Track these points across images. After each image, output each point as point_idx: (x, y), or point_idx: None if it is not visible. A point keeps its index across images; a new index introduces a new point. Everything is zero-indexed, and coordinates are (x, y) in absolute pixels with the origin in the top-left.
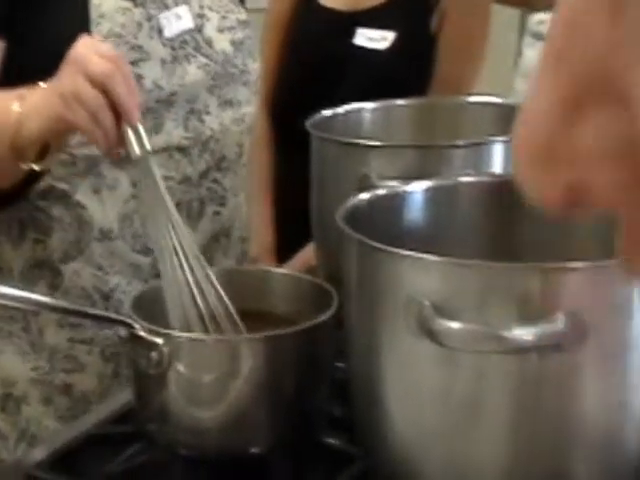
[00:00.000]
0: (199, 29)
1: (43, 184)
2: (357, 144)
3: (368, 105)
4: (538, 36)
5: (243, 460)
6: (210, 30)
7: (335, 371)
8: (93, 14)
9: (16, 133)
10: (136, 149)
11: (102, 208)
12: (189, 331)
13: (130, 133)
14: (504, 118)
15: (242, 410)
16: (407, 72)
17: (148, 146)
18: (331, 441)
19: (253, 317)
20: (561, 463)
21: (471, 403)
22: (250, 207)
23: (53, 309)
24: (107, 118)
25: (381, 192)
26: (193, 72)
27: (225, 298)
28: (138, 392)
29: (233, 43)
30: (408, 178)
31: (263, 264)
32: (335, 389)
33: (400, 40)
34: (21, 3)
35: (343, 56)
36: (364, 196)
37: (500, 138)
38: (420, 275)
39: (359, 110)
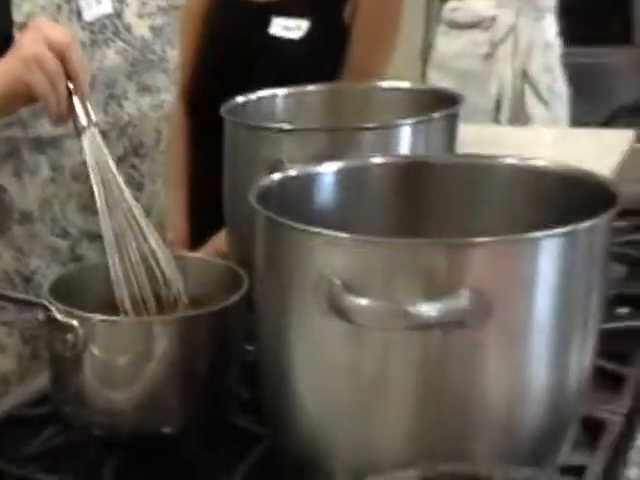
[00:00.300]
0: (118, 14)
1: None
2: (268, 128)
3: (280, 91)
4: (452, 24)
5: (156, 441)
6: (129, 16)
7: (245, 354)
8: None
9: None
10: (84, 119)
11: (23, 191)
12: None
13: (79, 104)
14: (411, 102)
15: (155, 391)
16: (321, 60)
17: (94, 118)
18: (240, 422)
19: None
20: (463, 439)
21: (378, 381)
22: (167, 196)
23: None
24: (62, 86)
25: (292, 173)
26: (112, 57)
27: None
28: (54, 374)
29: (152, 29)
30: (319, 162)
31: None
32: (245, 372)
33: (314, 29)
34: None
35: (259, 45)
36: (276, 177)
37: (407, 121)
38: (329, 253)
39: (272, 96)
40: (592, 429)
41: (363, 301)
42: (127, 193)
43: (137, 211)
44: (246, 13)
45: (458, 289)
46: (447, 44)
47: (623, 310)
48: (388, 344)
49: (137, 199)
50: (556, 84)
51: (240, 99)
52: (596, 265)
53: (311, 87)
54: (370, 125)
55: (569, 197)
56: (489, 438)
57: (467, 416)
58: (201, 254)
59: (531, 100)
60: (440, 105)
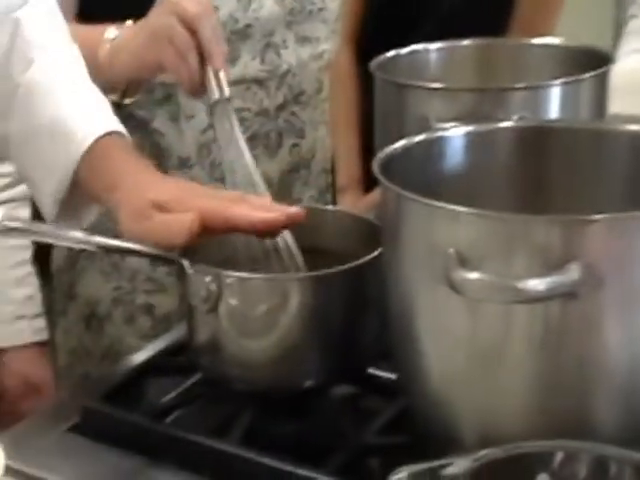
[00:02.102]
0: None
1: (122, 112)
2: (416, 86)
3: (432, 46)
4: None
5: (293, 395)
6: None
7: None
8: None
9: (109, 64)
10: (216, 93)
11: (180, 136)
12: (255, 266)
13: (212, 77)
14: (565, 60)
15: (291, 345)
16: (484, 16)
17: (227, 92)
18: (380, 375)
19: (307, 253)
20: (584, 410)
21: (494, 352)
22: (336, 140)
23: (109, 250)
24: (193, 58)
25: (417, 138)
26: (269, 6)
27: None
28: (191, 326)
29: None
30: (466, 120)
31: (350, 194)
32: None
33: None
34: None
35: None
36: (399, 143)
37: (557, 81)
38: (444, 224)
39: (423, 51)
40: None
41: (473, 275)
42: (256, 173)
43: (260, 188)
44: None
45: (569, 264)
46: None
47: None
48: (502, 316)
49: (298, 145)
50: None
51: (391, 54)
52: None
53: (464, 42)
54: (518, 85)
55: None
56: (610, 405)
57: (586, 386)
58: (365, 201)
59: None
60: (591, 64)
